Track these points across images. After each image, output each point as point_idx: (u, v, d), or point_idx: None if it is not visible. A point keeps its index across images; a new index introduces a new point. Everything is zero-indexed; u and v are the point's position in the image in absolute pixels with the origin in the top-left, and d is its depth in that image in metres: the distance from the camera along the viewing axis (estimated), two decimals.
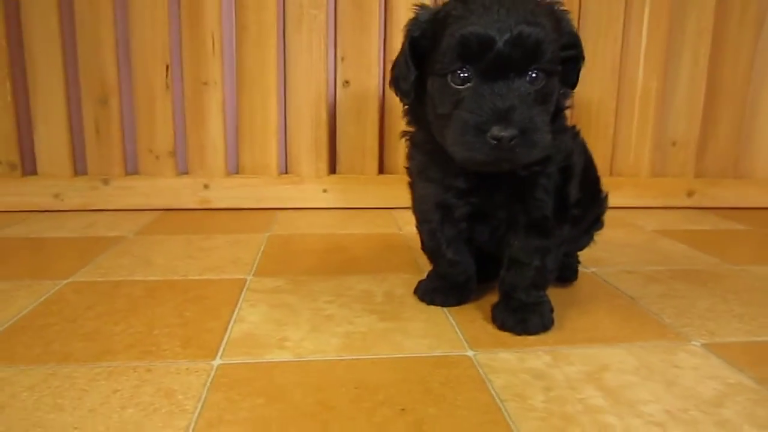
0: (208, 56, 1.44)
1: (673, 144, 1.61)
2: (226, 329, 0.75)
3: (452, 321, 0.79)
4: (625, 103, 1.57)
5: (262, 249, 1.13)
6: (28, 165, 1.46)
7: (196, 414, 0.56)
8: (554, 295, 0.88)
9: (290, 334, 0.74)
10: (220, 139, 1.48)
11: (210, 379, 0.62)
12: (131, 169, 1.50)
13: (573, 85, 0.76)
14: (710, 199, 1.62)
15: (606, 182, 1.58)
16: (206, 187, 1.48)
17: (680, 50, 1.56)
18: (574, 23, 0.74)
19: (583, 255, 1.06)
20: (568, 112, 1.52)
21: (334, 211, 1.49)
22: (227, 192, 1.49)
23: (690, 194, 1.61)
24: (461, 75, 0.66)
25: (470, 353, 0.69)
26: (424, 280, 0.88)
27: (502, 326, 0.75)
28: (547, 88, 0.68)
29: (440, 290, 0.85)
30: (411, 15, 0.74)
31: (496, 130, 0.63)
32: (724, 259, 1.12)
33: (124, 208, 1.46)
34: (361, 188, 1.51)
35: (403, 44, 0.72)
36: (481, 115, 0.64)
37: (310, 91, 1.48)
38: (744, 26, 1.57)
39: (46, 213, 1.43)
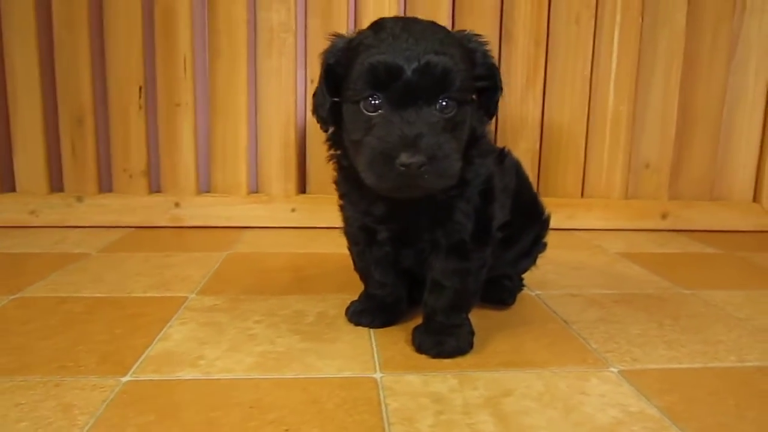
0: (180, 78, 1.48)
1: (647, 166, 1.61)
2: (148, 346, 0.77)
3: (374, 342, 0.79)
4: (595, 125, 1.57)
5: (215, 267, 1.15)
6: (6, 182, 1.50)
7: (86, 429, 0.57)
8: (486, 317, 0.88)
9: (207, 352, 0.75)
10: (192, 159, 1.51)
11: (112, 396, 0.64)
12: (106, 188, 1.54)
13: (491, 114, 0.77)
14: (685, 222, 1.60)
15: (576, 204, 1.60)
16: (177, 205, 1.51)
17: (651, 72, 1.56)
18: (493, 53, 0.75)
19: (532, 277, 1.06)
20: (535, 134, 1.53)
21: (301, 230, 1.51)
22: (198, 210, 1.51)
23: (664, 216, 1.60)
24: (372, 102, 0.68)
25: (377, 375, 0.69)
26: (355, 300, 0.89)
27: (419, 348, 0.76)
28: (458, 116, 0.69)
29: (368, 311, 0.85)
30: None
31: (404, 157, 0.63)
32: (678, 282, 1.11)
33: (98, 225, 1.50)
34: (329, 208, 1.51)
35: (320, 72, 0.74)
36: (389, 142, 0.65)
37: (280, 113, 1.50)
38: (716, 47, 1.57)
39: (22, 229, 1.46)
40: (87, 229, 1.48)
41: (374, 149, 0.66)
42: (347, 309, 0.88)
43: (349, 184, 0.79)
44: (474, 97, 0.73)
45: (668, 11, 1.53)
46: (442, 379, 0.69)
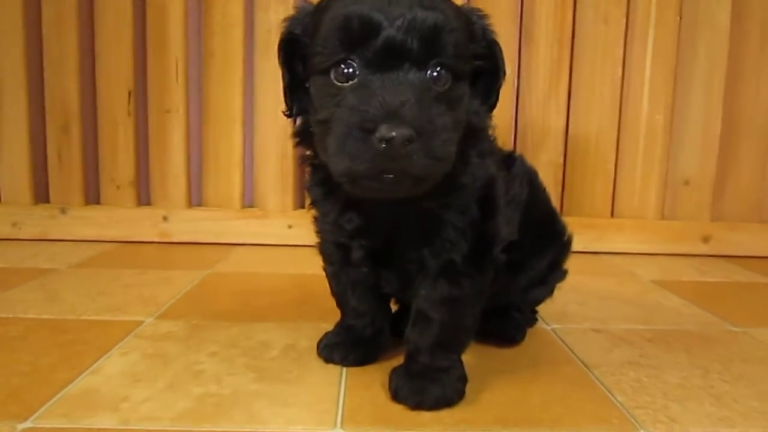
0: (171, 83, 1.38)
1: (686, 183, 1.43)
2: (71, 382, 0.64)
3: (343, 385, 0.65)
4: (627, 137, 1.41)
5: (188, 288, 1.02)
6: None
7: None
8: (486, 357, 0.73)
9: (137, 392, 0.61)
10: (182, 170, 1.40)
11: None
12: (93, 198, 1.44)
13: (492, 105, 0.63)
14: (729, 246, 1.41)
15: (605, 224, 1.42)
16: (165, 219, 1.40)
17: (690, 78, 1.39)
18: (511, 55, 0.62)
19: (549, 308, 0.90)
20: (558, 145, 1.38)
21: (298, 248, 1.37)
22: (187, 225, 1.40)
23: (706, 240, 1.41)
24: (345, 70, 0.53)
25: None
26: (329, 331, 0.74)
27: (395, 396, 0.60)
28: (453, 92, 0.54)
29: (341, 345, 0.71)
30: None
31: (384, 129, 0.48)
32: (726, 317, 0.93)
33: (81, 238, 1.39)
34: None
35: (278, 43, 0.61)
36: (367, 111, 0.49)
37: (278, 121, 1.38)
38: (765, 50, 1.39)
39: (3, 242, 1.37)
40: (70, 242, 1.38)
41: (346, 123, 0.50)
42: (319, 342, 0.73)
43: (319, 188, 0.65)
44: (468, 70, 0.59)
45: (710, 10, 1.37)
46: None
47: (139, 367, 0.68)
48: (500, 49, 0.61)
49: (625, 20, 1.37)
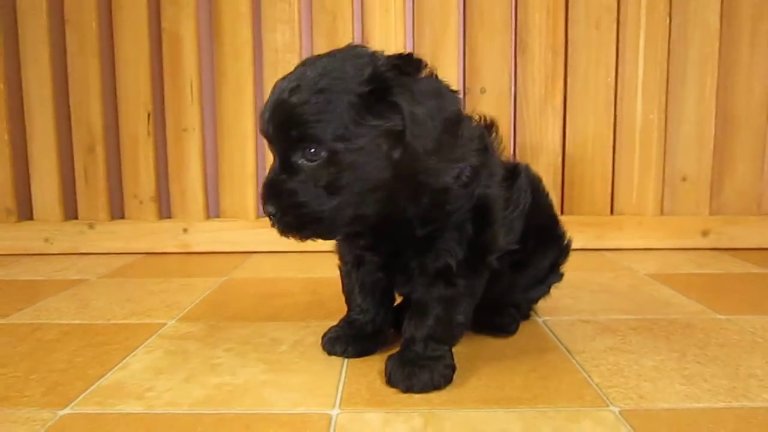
0: (187, 103, 1.47)
1: (683, 179, 1.47)
2: (102, 376, 0.72)
3: (344, 374, 0.72)
4: (623, 138, 1.46)
5: (207, 293, 1.10)
6: (23, 210, 1.52)
7: None
8: (477, 346, 0.79)
9: (160, 384, 0.69)
10: (199, 184, 1.49)
11: (42, 430, 0.58)
12: (117, 214, 1.54)
13: (425, 152, 0.60)
14: (729, 240, 1.44)
15: (605, 222, 1.47)
16: (185, 231, 1.49)
17: (683, 78, 1.44)
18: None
19: (544, 303, 0.95)
20: (556, 147, 1.43)
21: (312, 254, 1.45)
22: (205, 236, 1.49)
23: (705, 234, 1.45)
24: None
25: (334, 412, 0.61)
26: (334, 326, 0.81)
27: (389, 380, 0.67)
28: (333, 163, 0.59)
29: (343, 339, 0.78)
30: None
31: (265, 206, 0.64)
32: (713, 306, 0.98)
33: (108, 251, 1.49)
34: None
35: None
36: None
37: None
38: (756, 48, 1.43)
39: (37, 256, 1.48)
40: (97, 255, 1.48)
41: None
42: (324, 335, 0.81)
43: None
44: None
45: (699, 11, 1.41)
46: (406, 417, 0.60)
47: (161, 362, 0.76)
48: (407, 101, 0.58)
49: (616, 25, 1.42)
